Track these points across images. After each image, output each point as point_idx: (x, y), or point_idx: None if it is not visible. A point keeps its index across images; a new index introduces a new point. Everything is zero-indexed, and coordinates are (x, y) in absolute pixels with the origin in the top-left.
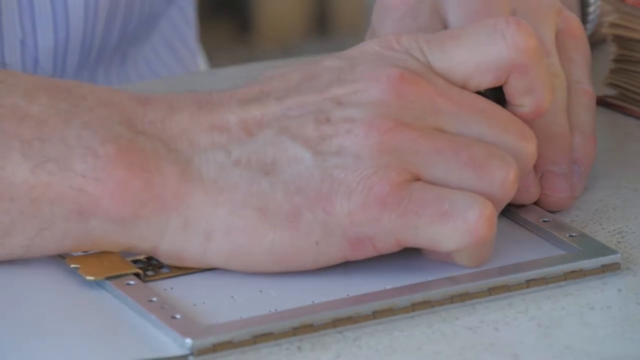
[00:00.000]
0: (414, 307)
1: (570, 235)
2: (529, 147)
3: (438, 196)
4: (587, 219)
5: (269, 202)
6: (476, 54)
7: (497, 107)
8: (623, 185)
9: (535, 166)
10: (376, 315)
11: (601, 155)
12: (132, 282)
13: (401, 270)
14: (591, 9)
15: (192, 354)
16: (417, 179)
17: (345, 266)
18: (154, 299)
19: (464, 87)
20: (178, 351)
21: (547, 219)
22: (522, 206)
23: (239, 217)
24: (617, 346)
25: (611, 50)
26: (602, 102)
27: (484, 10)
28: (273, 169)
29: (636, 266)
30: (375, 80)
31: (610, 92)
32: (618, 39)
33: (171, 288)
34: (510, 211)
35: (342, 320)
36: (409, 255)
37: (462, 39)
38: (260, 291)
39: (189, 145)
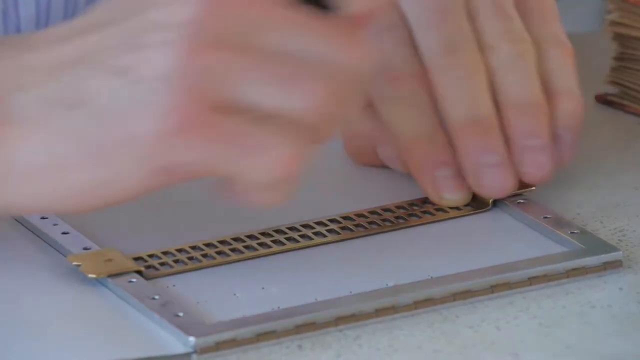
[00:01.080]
0: (417, 304)
1: (571, 232)
2: (356, 50)
3: (250, 127)
4: (588, 217)
5: (83, 135)
6: None
7: (319, 18)
8: (624, 184)
9: (511, 140)
10: (379, 313)
11: (602, 153)
12: (133, 280)
13: (402, 268)
14: None
15: (195, 351)
16: (228, 103)
17: (346, 263)
18: (156, 297)
19: None
20: (181, 349)
21: (548, 216)
22: (521, 203)
23: (54, 154)
24: (618, 345)
25: (612, 48)
26: (603, 100)
27: None
28: (85, 102)
29: (637, 265)
30: (189, 1)
31: (612, 90)
32: (619, 37)
33: (173, 285)
34: (511, 208)
35: (344, 318)
36: (410, 252)
37: None
38: (262, 288)
39: (1, 86)
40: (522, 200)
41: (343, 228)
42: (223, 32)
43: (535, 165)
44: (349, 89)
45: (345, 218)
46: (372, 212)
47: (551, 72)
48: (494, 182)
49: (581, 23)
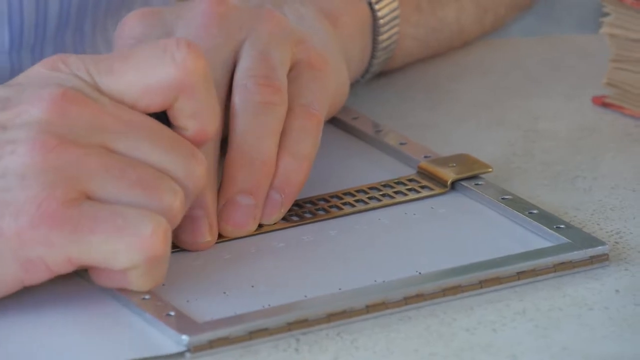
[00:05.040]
0: (407, 300)
1: (557, 227)
2: (197, 168)
3: (111, 212)
4: (585, 220)
5: None
6: (144, 76)
7: (165, 127)
8: (621, 186)
9: (222, 191)
10: (370, 309)
11: (599, 155)
12: None
13: (391, 264)
14: (383, 36)
15: (189, 350)
16: (87, 196)
17: (336, 260)
18: (147, 296)
19: (132, 109)
20: (173, 348)
21: (533, 211)
22: (510, 199)
23: None
24: (615, 347)
25: (609, 50)
26: (601, 103)
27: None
28: None
29: (634, 267)
30: (37, 101)
31: (609, 92)
32: (616, 39)
33: (162, 285)
34: (496, 204)
35: (336, 315)
36: (400, 248)
37: (131, 61)
38: (252, 286)
39: None
40: (508, 197)
41: (305, 212)
42: (71, 131)
43: (233, 221)
44: (190, 195)
45: (306, 202)
46: (333, 196)
47: (290, 131)
48: (188, 234)
49: (578, 25)
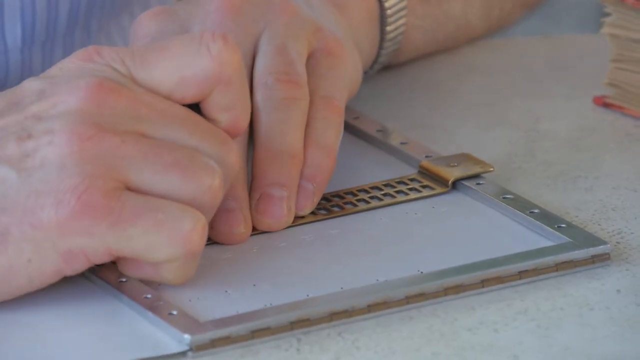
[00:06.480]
0: (409, 299)
1: (558, 226)
2: (231, 154)
3: (152, 205)
4: (586, 220)
5: None
6: (180, 67)
7: (198, 116)
8: (622, 186)
9: (254, 186)
10: (371, 308)
11: (600, 155)
12: (124, 279)
13: (393, 263)
14: (390, 27)
15: (191, 349)
16: (126, 185)
17: (338, 259)
18: (149, 295)
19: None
20: (176, 347)
21: (535, 210)
22: (511, 199)
23: None
24: (617, 347)
25: (611, 50)
26: (601, 103)
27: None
28: None
29: (635, 267)
30: (74, 91)
31: (610, 92)
32: (617, 39)
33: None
34: (497, 203)
35: (338, 314)
36: (401, 247)
37: (166, 52)
38: (254, 285)
39: None
40: (509, 196)
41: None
42: (108, 120)
43: (269, 213)
44: (225, 180)
45: None
46: (335, 195)
47: (314, 122)
48: (224, 225)
49: (579, 25)
